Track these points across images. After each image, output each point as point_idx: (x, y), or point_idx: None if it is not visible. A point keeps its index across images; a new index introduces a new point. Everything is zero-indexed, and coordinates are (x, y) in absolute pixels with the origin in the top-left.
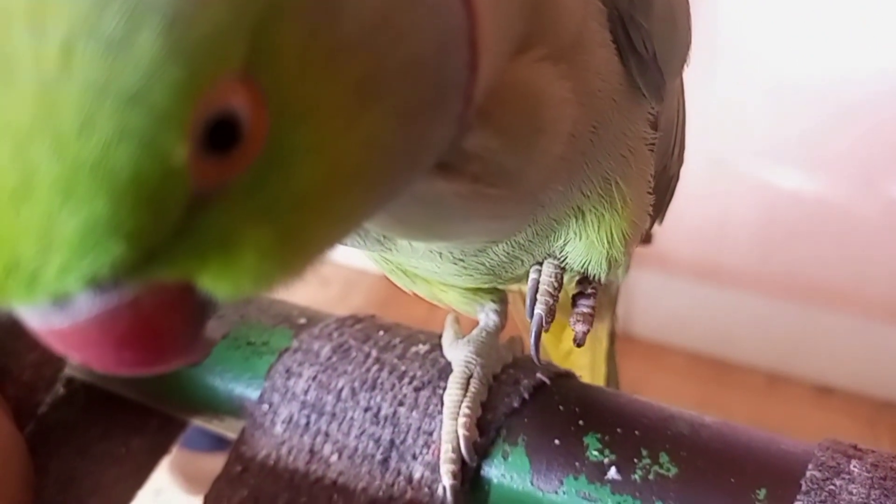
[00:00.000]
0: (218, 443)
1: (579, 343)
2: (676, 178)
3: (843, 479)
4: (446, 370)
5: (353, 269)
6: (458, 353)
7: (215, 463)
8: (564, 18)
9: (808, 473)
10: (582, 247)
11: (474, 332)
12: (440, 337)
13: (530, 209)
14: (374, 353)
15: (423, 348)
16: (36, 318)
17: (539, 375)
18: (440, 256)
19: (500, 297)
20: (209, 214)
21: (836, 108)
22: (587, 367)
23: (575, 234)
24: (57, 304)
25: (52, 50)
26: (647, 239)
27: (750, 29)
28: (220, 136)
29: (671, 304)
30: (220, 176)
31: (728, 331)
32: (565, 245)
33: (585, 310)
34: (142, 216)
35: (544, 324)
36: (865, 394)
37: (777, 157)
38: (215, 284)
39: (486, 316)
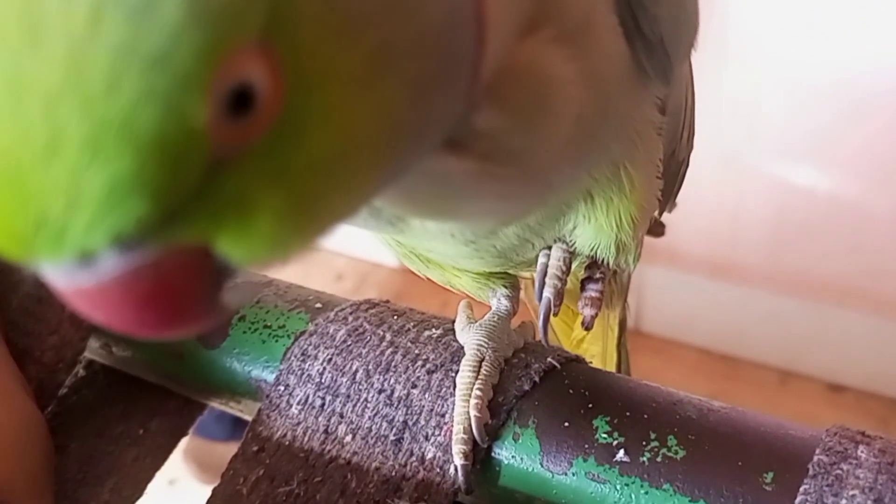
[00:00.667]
0: (233, 431)
1: (588, 326)
2: (686, 163)
3: (851, 463)
4: (459, 354)
5: (367, 262)
6: (470, 337)
7: (230, 452)
8: (572, 1)
9: (815, 458)
10: (591, 230)
11: (486, 316)
12: (453, 322)
13: (539, 190)
14: (388, 336)
15: (436, 332)
16: (61, 277)
17: (549, 359)
18: (452, 238)
19: (512, 283)
20: (227, 177)
21: (848, 105)
22: (598, 355)
23: (584, 217)
24: (82, 262)
25: (80, 13)
26: (660, 231)
27: (762, 25)
28: (239, 101)
29: (683, 300)
30: (238, 140)
31: (740, 327)
32: (574, 228)
33: (594, 294)
34: (164, 174)
35: (552, 307)
36: (878, 392)
37: (789, 153)
38: (232, 248)
39: (498, 301)
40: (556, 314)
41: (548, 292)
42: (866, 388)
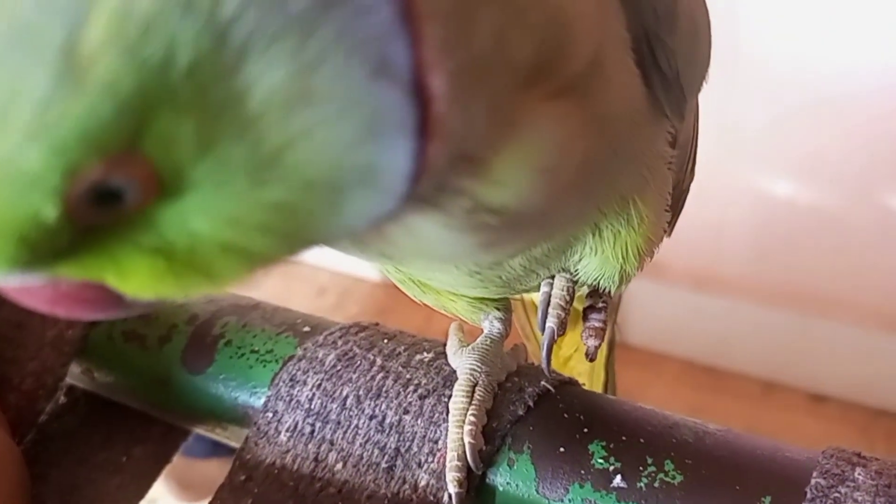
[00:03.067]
0: (213, 449)
1: (592, 358)
2: (687, 192)
3: (848, 486)
4: (451, 378)
5: (349, 276)
6: (462, 361)
7: (210, 469)
8: (577, 45)
9: (812, 481)
10: (597, 262)
11: (478, 340)
12: (444, 345)
13: (541, 230)
14: (378, 361)
15: (427, 356)
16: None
17: (543, 383)
18: (456, 269)
19: (505, 306)
20: (100, 238)
21: (829, 118)
22: (586, 373)
23: (591, 249)
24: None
25: None
26: None
27: (742, 41)
28: (104, 196)
29: (667, 313)
30: (109, 219)
31: (723, 339)
32: (580, 260)
33: (597, 324)
34: (17, 250)
35: (556, 337)
36: (860, 402)
37: (771, 166)
38: (119, 287)
39: (491, 324)
40: (555, 342)
41: (551, 322)
42: (848, 398)
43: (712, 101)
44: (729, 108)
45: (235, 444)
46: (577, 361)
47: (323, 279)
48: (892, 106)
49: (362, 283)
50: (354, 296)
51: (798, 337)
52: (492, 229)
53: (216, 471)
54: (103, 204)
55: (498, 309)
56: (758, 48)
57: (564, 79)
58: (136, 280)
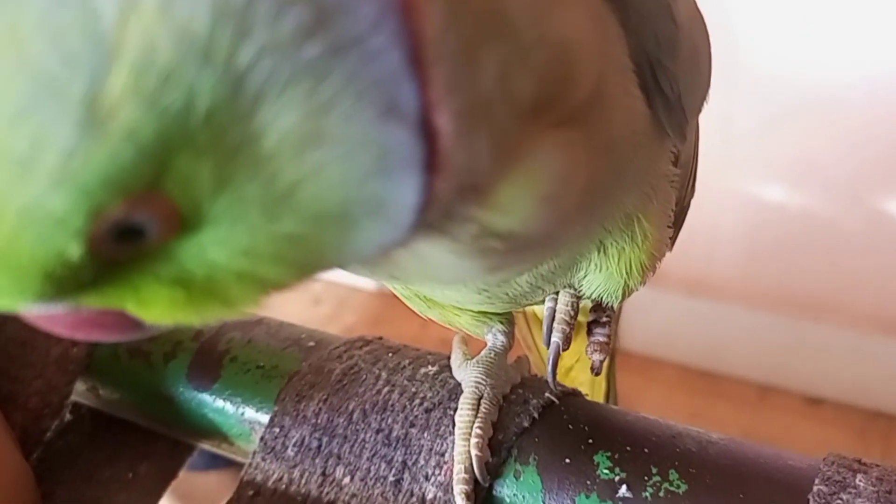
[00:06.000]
0: (212, 461)
1: (597, 372)
2: (688, 208)
3: (850, 493)
4: (456, 391)
5: (344, 286)
6: (467, 374)
7: (209, 482)
8: (581, 76)
9: (815, 488)
10: (601, 278)
11: (483, 353)
12: (448, 358)
13: (547, 249)
14: (384, 374)
15: (432, 370)
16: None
17: (547, 395)
18: (464, 287)
19: (508, 319)
20: (123, 270)
21: (820, 123)
22: (588, 383)
23: (596, 266)
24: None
25: None
26: None
27: (734, 43)
28: (126, 232)
29: (661, 319)
30: (130, 253)
31: (718, 344)
32: (585, 276)
33: (602, 339)
34: (43, 285)
35: (561, 352)
36: (855, 404)
37: (763, 171)
38: (139, 315)
39: (494, 337)
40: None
41: (556, 337)
42: (844, 401)
43: (702, 111)
44: (719, 114)
45: (241, 460)
46: (578, 371)
47: (318, 289)
48: (883, 110)
49: (358, 292)
50: (350, 305)
51: (793, 340)
52: (498, 253)
53: (215, 483)
54: (125, 240)
55: (501, 322)
56: (748, 54)
57: (568, 108)
58: (156, 308)
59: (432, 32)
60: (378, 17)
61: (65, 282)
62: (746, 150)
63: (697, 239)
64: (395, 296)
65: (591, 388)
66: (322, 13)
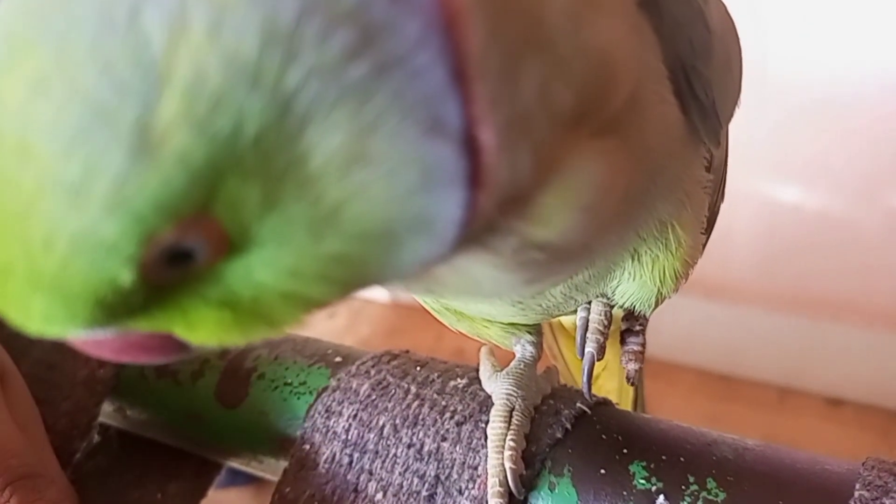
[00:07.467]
0: (233, 478)
1: (633, 382)
2: (717, 213)
3: (892, 497)
4: (486, 403)
5: (358, 298)
6: (498, 386)
7: (229, 499)
8: (618, 85)
9: (856, 493)
10: (635, 286)
11: (512, 364)
12: (477, 370)
13: (584, 259)
14: (413, 388)
15: (461, 382)
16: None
17: (579, 405)
18: (500, 300)
19: (536, 329)
20: (172, 293)
21: (834, 122)
22: (615, 391)
23: (630, 274)
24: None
25: (27, 183)
26: None
27: (747, 48)
28: (176, 257)
29: (679, 323)
30: (180, 277)
31: (737, 347)
32: (619, 285)
33: (636, 348)
34: (94, 311)
35: (595, 361)
36: (877, 404)
37: (778, 172)
38: (186, 337)
39: (523, 348)
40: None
41: (590, 347)
42: (865, 402)
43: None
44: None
45: (271, 477)
46: (605, 380)
47: None
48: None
49: (372, 304)
50: (365, 317)
51: (812, 341)
52: (538, 265)
53: (236, 500)
54: (175, 264)
55: (530, 333)
56: (760, 54)
57: (606, 117)
58: (203, 330)
59: (475, 48)
60: (422, 36)
61: (116, 307)
62: (761, 151)
63: (713, 242)
64: (409, 307)
65: (619, 396)
66: (367, 33)
